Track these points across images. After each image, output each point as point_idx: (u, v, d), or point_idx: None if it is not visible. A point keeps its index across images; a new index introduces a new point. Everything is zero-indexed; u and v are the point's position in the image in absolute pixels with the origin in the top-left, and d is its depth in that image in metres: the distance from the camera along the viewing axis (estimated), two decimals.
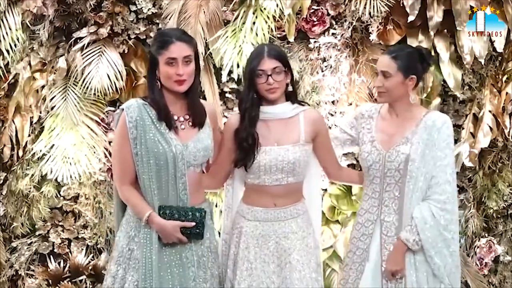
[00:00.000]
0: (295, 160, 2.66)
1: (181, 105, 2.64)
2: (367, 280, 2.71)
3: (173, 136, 2.57)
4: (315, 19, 3.83)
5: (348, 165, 3.87)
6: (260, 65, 2.62)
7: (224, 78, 3.80)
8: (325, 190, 3.86)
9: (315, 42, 3.87)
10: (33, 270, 4.09)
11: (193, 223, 2.50)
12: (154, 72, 2.59)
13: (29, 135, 4.03)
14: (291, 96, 2.75)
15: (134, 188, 2.60)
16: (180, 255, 2.57)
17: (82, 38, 3.88)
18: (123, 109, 2.58)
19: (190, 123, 2.64)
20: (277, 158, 2.66)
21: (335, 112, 3.89)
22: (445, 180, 2.59)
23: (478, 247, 4.03)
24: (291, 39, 3.84)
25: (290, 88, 2.72)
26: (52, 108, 3.94)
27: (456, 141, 3.93)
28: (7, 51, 3.96)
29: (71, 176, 3.90)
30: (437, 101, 3.90)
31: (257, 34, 3.74)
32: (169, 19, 3.80)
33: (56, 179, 3.95)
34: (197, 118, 2.64)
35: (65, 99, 3.91)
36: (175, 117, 2.61)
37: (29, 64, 3.98)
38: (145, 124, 2.54)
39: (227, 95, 3.90)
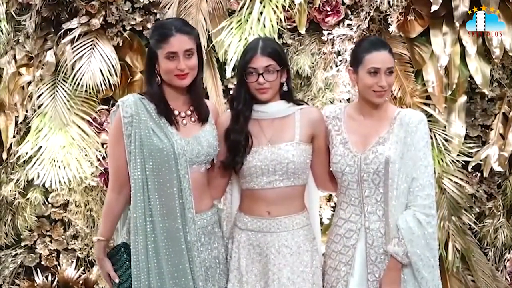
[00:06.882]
0: (288, 160, 2.54)
1: (183, 100, 2.58)
2: None
3: (174, 131, 2.50)
4: (328, 9, 3.71)
5: None
6: (252, 62, 2.54)
7: (229, 73, 3.69)
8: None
9: (328, 34, 3.74)
10: (18, 285, 4.03)
11: (116, 280, 2.54)
12: (153, 66, 2.52)
13: (14, 136, 3.95)
14: (287, 96, 2.65)
15: (122, 198, 2.54)
16: (184, 265, 2.46)
17: (73, 29, 3.78)
18: (118, 106, 2.51)
19: (193, 119, 2.58)
20: (268, 158, 2.55)
21: None
22: (428, 182, 2.52)
23: (508, 260, 3.90)
24: (302, 30, 3.72)
25: (285, 88, 2.63)
26: (39, 107, 3.85)
27: (484, 143, 3.86)
28: None
29: (60, 181, 3.80)
30: (463, 99, 3.78)
31: (264, 25, 3.61)
32: (168, 9, 3.73)
33: (43, 185, 3.87)
34: (200, 112, 2.58)
35: (54, 97, 3.82)
36: (176, 112, 2.55)
37: (14, 58, 3.91)
38: (141, 119, 2.46)
39: (231, 92, 3.72)
